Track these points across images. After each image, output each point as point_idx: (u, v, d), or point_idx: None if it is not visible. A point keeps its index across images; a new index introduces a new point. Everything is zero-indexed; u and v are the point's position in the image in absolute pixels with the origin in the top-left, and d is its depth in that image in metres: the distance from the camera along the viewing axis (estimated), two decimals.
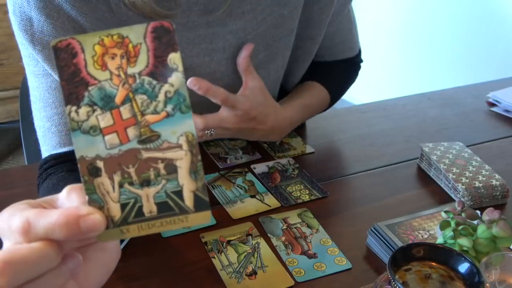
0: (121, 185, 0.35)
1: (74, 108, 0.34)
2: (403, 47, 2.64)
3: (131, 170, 0.35)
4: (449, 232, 0.57)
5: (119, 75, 0.35)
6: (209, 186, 0.79)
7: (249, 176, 0.82)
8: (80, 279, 0.35)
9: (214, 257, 0.64)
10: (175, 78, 0.35)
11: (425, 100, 1.15)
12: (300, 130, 0.98)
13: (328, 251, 0.66)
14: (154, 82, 0.35)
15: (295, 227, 0.70)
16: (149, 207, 0.35)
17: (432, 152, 0.84)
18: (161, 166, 0.35)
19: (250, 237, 0.68)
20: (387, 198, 0.78)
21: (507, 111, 1.08)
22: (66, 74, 0.34)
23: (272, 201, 0.76)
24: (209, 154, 0.89)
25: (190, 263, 0.64)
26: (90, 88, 0.34)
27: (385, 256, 0.64)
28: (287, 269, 0.63)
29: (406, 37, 2.61)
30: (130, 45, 0.34)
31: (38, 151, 0.75)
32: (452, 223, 0.57)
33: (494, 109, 1.10)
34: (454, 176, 0.77)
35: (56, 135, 0.71)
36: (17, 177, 0.81)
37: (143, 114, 0.35)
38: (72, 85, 0.34)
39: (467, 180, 0.76)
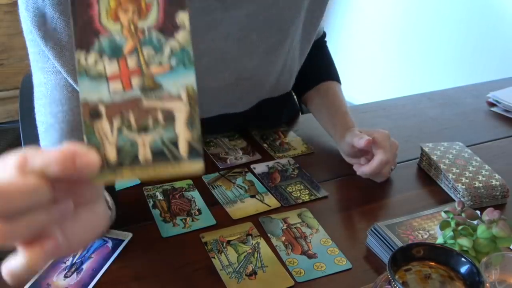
0: (119, 130, 0.36)
1: (83, 53, 0.36)
2: (403, 47, 2.64)
3: (131, 117, 0.36)
4: (449, 232, 0.57)
5: (129, 28, 0.36)
6: (209, 186, 0.79)
7: (249, 176, 0.82)
8: (68, 234, 0.35)
9: (214, 257, 0.64)
10: (182, 35, 0.36)
11: (425, 100, 1.15)
12: (300, 130, 0.98)
13: (328, 251, 0.66)
14: (161, 37, 0.36)
15: (295, 227, 0.70)
16: (144, 153, 0.36)
17: (432, 152, 0.84)
18: (160, 115, 0.37)
19: (250, 237, 0.68)
20: (387, 198, 0.78)
21: (507, 111, 1.08)
22: (80, 22, 0.36)
23: (272, 201, 0.76)
24: (209, 154, 0.89)
25: (190, 263, 0.64)
26: (101, 37, 0.36)
27: (385, 256, 0.64)
28: (287, 269, 0.63)
29: (406, 37, 2.61)
30: (143, 1, 0.36)
31: None
32: (452, 223, 0.57)
33: (494, 109, 1.10)
34: (454, 176, 0.77)
35: (58, 132, 0.71)
36: None
37: (148, 66, 0.36)
38: (85, 33, 0.36)
39: (467, 180, 0.76)
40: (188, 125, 0.37)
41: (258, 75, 0.85)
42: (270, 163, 0.86)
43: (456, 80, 2.24)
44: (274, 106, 0.94)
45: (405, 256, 0.48)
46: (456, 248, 0.54)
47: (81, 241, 0.37)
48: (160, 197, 0.76)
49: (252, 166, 0.85)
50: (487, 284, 0.49)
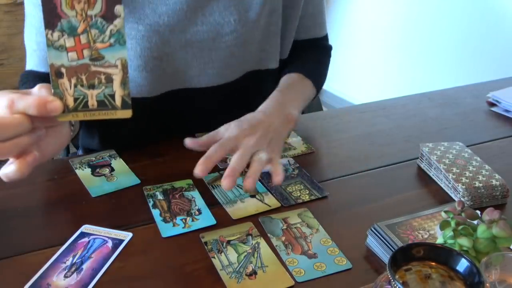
0: (75, 86, 0.53)
1: (50, 31, 0.52)
2: (403, 47, 2.64)
3: (83, 77, 0.53)
4: (449, 232, 0.57)
5: (82, 14, 0.52)
6: (209, 186, 0.79)
7: None
8: (41, 147, 0.55)
9: (214, 257, 0.64)
10: (118, 22, 0.52)
11: (425, 100, 1.15)
12: (300, 130, 0.98)
13: (328, 251, 0.66)
14: (104, 22, 0.52)
15: (295, 227, 0.70)
16: (92, 102, 0.54)
17: (432, 152, 0.84)
18: (102, 77, 0.54)
19: (250, 237, 0.68)
20: (387, 198, 0.78)
21: (507, 111, 1.08)
22: (47, 9, 0.51)
23: (272, 201, 0.76)
24: None
25: (190, 263, 0.64)
26: (62, 20, 0.51)
27: (385, 256, 0.64)
28: (287, 269, 0.63)
29: (406, 37, 2.61)
30: None
31: None
32: (452, 223, 0.57)
33: (494, 109, 1.10)
34: (454, 176, 0.77)
35: (39, 57, 0.85)
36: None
37: (94, 42, 0.53)
38: (51, 17, 0.51)
39: (467, 180, 0.76)
40: (122, 85, 0.54)
41: (237, 31, 0.86)
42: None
43: (456, 80, 2.24)
44: (261, 81, 0.95)
45: (405, 256, 0.48)
46: (456, 248, 0.54)
47: (51, 152, 0.58)
48: (160, 197, 0.76)
49: None
50: (487, 284, 0.49)
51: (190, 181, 0.80)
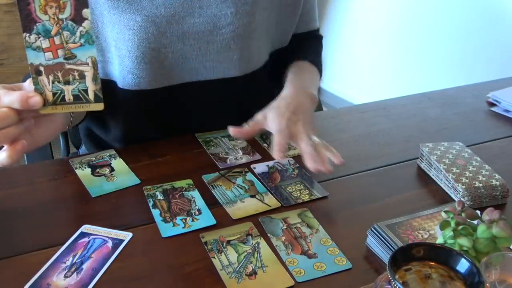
0: (53, 82, 0.60)
1: (27, 34, 0.58)
2: (403, 47, 2.64)
3: (59, 74, 0.60)
4: (449, 232, 0.57)
5: (54, 18, 0.57)
6: (209, 186, 0.79)
7: (249, 176, 0.82)
8: (34, 135, 0.63)
9: (214, 257, 0.64)
10: (86, 24, 0.58)
11: (425, 100, 1.15)
12: None
13: (328, 251, 0.66)
14: (74, 24, 0.58)
15: (295, 227, 0.70)
16: (68, 97, 0.61)
17: (432, 152, 0.84)
18: (76, 74, 0.60)
19: (250, 237, 0.68)
20: (387, 198, 0.78)
21: (507, 111, 1.08)
22: (23, 15, 0.57)
23: (272, 201, 0.76)
24: (209, 154, 0.89)
25: (190, 263, 0.64)
26: (37, 24, 0.57)
27: (385, 256, 0.64)
28: (287, 269, 0.63)
29: (406, 37, 2.61)
30: (61, 1, 0.57)
31: (38, 150, 0.75)
32: (452, 223, 0.57)
33: (494, 109, 1.10)
34: (454, 176, 0.77)
35: None
36: (17, 177, 0.81)
37: (67, 43, 0.59)
38: (27, 21, 0.57)
39: (467, 180, 0.76)
40: (93, 81, 0.60)
41: (233, 24, 0.87)
42: (270, 163, 0.86)
43: (456, 80, 2.24)
44: (260, 75, 0.97)
45: (405, 256, 0.48)
46: (456, 248, 0.54)
47: (44, 138, 0.66)
48: (160, 197, 0.76)
49: (252, 166, 0.85)
50: (487, 284, 0.49)
51: (190, 181, 0.80)
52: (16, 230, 0.69)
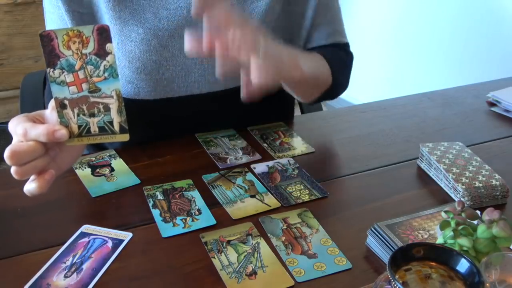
0: (78, 115, 0.61)
1: (51, 69, 0.59)
2: (403, 47, 2.64)
3: (84, 107, 0.61)
4: (449, 232, 0.56)
5: (77, 53, 0.58)
6: (209, 186, 0.79)
7: (249, 176, 0.82)
8: (58, 162, 0.63)
9: (214, 257, 0.64)
10: (110, 58, 0.59)
11: (425, 100, 1.15)
12: (300, 130, 0.98)
13: (328, 251, 0.66)
14: (98, 59, 0.59)
15: (295, 227, 0.70)
16: (94, 128, 0.62)
17: (432, 152, 0.84)
18: (101, 106, 0.61)
19: (250, 237, 0.68)
20: (387, 198, 0.78)
21: (507, 111, 1.08)
22: (46, 50, 0.58)
23: (272, 201, 0.76)
24: (209, 154, 0.89)
25: (190, 263, 0.64)
26: (61, 59, 0.59)
27: (385, 256, 0.64)
28: (287, 269, 0.63)
29: (406, 37, 2.61)
30: (84, 36, 0.58)
31: None
32: (452, 223, 0.57)
33: (494, 109, 1.10)
34: (454, 176, 0.77)
35: None
36: None
37: (91, 77, 0.59)
38: (51, 57, 0.59)
39: (467, 180, 0.76)
40: (118, 113, 0.61)
41: None
42: (270, 163, 0.86)
43: (456, 80, 2.24)
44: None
45: (405, 256, 0.48)
46: (456, 248, 0.54)
47: (67, 164, 0.66)
48: (160, 197, 0.76)
49: (252, 166, 0.85)
50: (487, 284, 0.49)
51: (190, 181, 0.80)
52: (16, 230, 0.69)
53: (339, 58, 0.97)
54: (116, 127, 0.62)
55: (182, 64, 0.84)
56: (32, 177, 0.60)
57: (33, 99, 1.09)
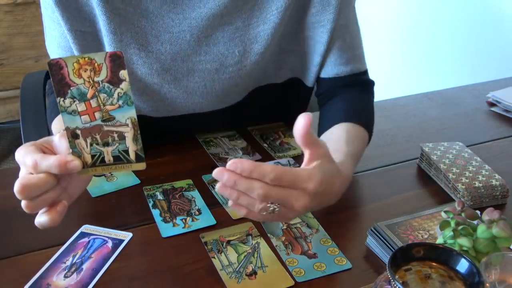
0: (91, 144, 0.57)
1: (62, 99, 0.55)
2: (403, 47, 2.64)
3: (97, 136, 0.57)
4: (449, 232, 0.56)
5: (89, 81, 0.55)
6: (209, 186, 0.79)
7: None
8: (69, 191, 0.59)
9: (214, 257, 0.64)
10: (124, 85, 0.55)
11: (425, 100, 1.15)
12: None
13: (328, 251, 0.66)
14: (111, 86, 0.55)
15: (295, 227, 0.70)
16: (108, 158, 0.58)
17: (432, 152, 0.84)
18: (115, 135, 0.57)
19: (250, 237, 0.68)
20: (387, 198, 0.78)
21: (507, 111, 1.08)
22: (56, 79, 0.54)
23: None
24: (209, 154, 0.89)
25: (190, 263, 0.64)
26: (71, 88, 0.55)
27: (385, 256, 0.64)
28: (287, 269, 0.63)
29: (406, 37, 2.61)
30: (96, 64, 0.54)
31: None
32: (452, 223, 0.57)
33: (494, 109, 1.10)
34: (454, 176, 0.77)
35: None
36: (17, 177, 0.80)
37: (104, 105, 0.56)
38: (60, 86, 0.54)
39: (467, 180, 0.76)
40: (134, 141, 0.57)
41: (241, 63, 0.83)
42: (270, 163, 0.86)
43: (456, 80, 2.24)
44: (264, 95, 0.93)
45: (405, 256, 0.48)
46: (456, 248, 0.54)
47: (78, 191, 0.61)
48: (160, 197, 0.76)
49: None
50: (487, 284, 0.49)
51: (190, 181, 0.80)
52: (16, 230, 0.69)
53: (367, 108, 0.90)
54: (132, 156, 0.57)
55: (184, 87, 0.83)
56: (43, 209, 0.56)
57: (33, 99, 1.09)
